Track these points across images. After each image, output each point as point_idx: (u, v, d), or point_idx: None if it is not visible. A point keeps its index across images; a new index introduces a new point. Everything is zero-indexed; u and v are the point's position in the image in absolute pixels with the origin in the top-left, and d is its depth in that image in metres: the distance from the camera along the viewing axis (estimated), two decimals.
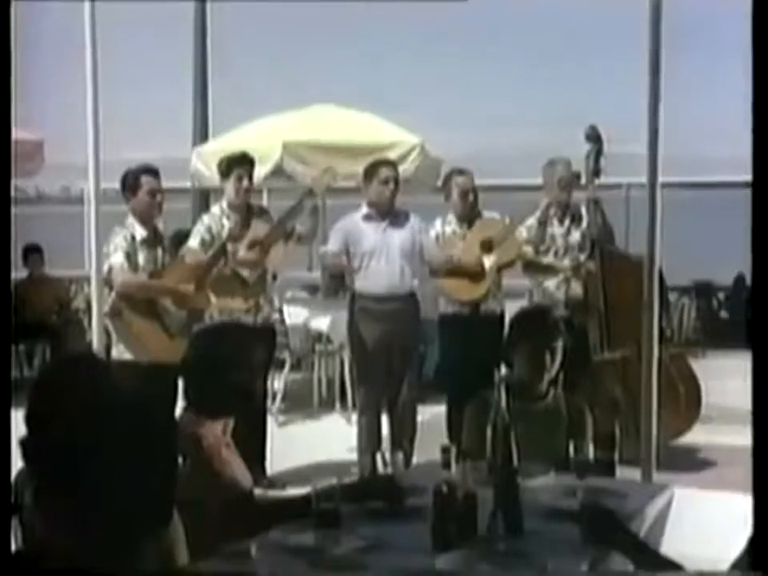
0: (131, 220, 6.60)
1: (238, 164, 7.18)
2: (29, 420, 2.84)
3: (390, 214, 7.43)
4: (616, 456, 4.64)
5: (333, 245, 7.54)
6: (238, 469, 3.81)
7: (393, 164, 7.75)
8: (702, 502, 5.15)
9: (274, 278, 7.45)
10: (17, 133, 5.69)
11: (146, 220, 6.61)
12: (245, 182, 7.12)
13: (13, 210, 3.06)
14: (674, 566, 3.08)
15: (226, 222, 7.07)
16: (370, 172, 7.45)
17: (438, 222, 7.83)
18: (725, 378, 8.40)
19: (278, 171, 9.40)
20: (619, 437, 4.80)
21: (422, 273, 7.62)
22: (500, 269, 7.68)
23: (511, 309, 6.98)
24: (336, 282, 10.33)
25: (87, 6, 6.00)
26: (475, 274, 7.63)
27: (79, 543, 1.98)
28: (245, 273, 6.96)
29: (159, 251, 6.66)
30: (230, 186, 7.14)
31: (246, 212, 7.15)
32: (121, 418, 2.03)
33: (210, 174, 9.20)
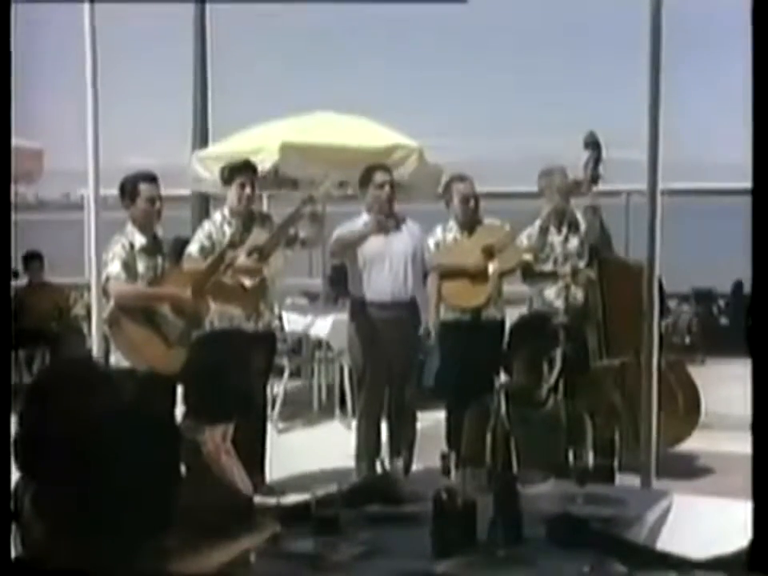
0: (130, 227, 6.59)
1: (240, 171, 7.18)
2: (21, 424, 2.84)
3: (390, 219, 7.43)
4: (616, 463, 4.64)
5: (345, 228, 7.50)
6: (237, 475, 3.81)
7: (386, 168, 7.72)
8: (701, 509, 5.16)
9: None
10: (16, 141, 5.70)
11: (145, 227, 6.61)
12: (247, 189, 7.11)
13: (13, 216, 3.06)
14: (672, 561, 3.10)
15: (227, 228, 7.06)
16: (365, 178, 7.46)
17: (438, 229, 7.83)
18: (724, 385, 8.40)
19: (277, 177, 9.41)
20: (619, 444, 4.80)
21: (421, 279, 7.61)
22: (501, 275, 7.68)
23: (512, 316, 6.99)
24: (336, 288, 10.34)
25: (87, 8, 6.01)
26: (477, 281, 7.62)
27: (78, 550, 1.99)
28: (245, 280, 6.96)
29: (159, 259, 6.65)
30: (232, 193, 7.13)
31: (248, 219, 7.15)
32: (118, 424, 2.03)
33: (211, 178, 9.21)
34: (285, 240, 7.16)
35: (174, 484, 2.12)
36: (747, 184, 2.46)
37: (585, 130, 7.49)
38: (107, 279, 6.41)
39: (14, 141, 3.40)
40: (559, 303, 7.64)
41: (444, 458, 3.39)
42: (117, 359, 6.46)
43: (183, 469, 3.28)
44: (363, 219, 7.46)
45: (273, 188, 10.29)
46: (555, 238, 7.74)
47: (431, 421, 8.17)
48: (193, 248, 7.02)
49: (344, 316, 8.04)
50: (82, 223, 12.28)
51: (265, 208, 10.70)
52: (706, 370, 10.72)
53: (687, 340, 13.20)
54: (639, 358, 6.20)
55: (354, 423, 7.99)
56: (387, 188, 7.39)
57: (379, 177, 7.42)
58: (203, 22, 12.79)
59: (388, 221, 7.38)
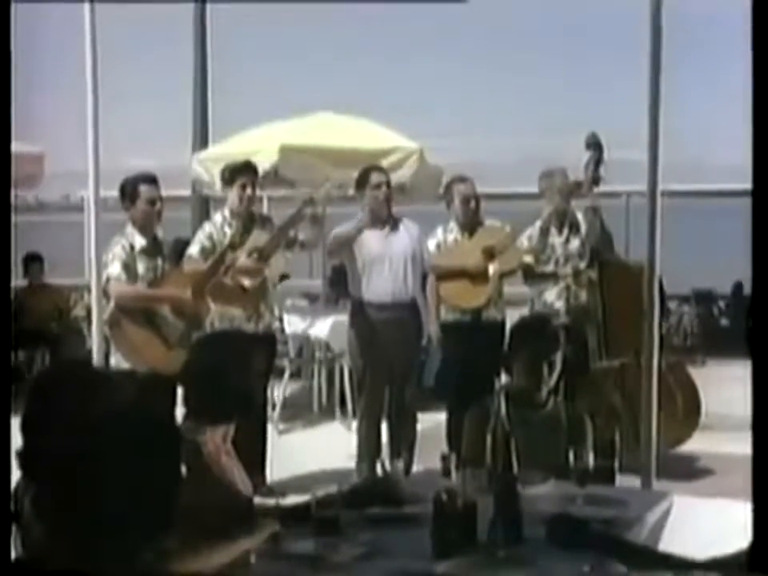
0: (130, 229, 6.59)
1: (242, 172, 7.17)
2: (23, 429, 2.84)
3: (390, 220, 7.44)
4: (616, 464, 4.64)
5: (342, 227, 7.49)
6: (238, 476, 3.81)
7: (382, 169, 7.74)
8: (701, 510, 5.17)
9: (284, 278, 7.41)
10: (17, 145, 5.69)
11: (145, 228, 6.60)
12: (248, 191, 7.11)
13: (13, 218, 3.06)
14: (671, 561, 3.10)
15: (227, 229, 7.05)
16: (362, 179, 7.46)
17: (439, 230, 7.83)
18: (725, 386, 8.40)
19: (277, 177, 9.41)
20: (619, 445, 4.80)
21: (420, 279, 7.60)
22: (501, 277, 7.68)
23: (513, 317, 6.98)
24: (336, 289, 10.34)
25: (87, 8, 6.02)
26: (477, 282, 7.62)
27: (79, 550, 1.99)
28: (245, 281, 6.96)
29: (159, 260, 6.65)
30: (233, 194, 7.12)
31: (249, 220, 7.14)
32: (118, 425, 2.03)
33: (210, 180, 9.22)
34: (285, 242, 7.16)
35: (175, 485, 2.12)
36: (747, 185, 2.46)
37: (585, 131, 7.49)
38: (107, 280, 6.41)
39: (15, 145, 3.40)
40: (560, 304, 7.64)
41: (444, 459, 3.39)
42: (117, 360, 6.45)
43: (183, 470, 3.28)
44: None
45: (272, 188, 10.29)
46: (556, 239, 7.74)
47: (432, 422, 8.16)
48: (193, 249, 7.01)
49: (344, 317, 8.04)
50: (82, 225, 12.27)
51: (265, 209, 10.70)
52: (707, 371, 10.72)
53: (688, 341, 13.21)
54: (639, 359, 6.19)
55: (354, 424, 7.99)
56: (384, 188, 7.38)
57: (375, 177, 7.42)
58: (203, 23, 12.80)
59: (382, 212, 7.37)
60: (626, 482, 5.11)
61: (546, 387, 4.64)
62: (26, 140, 10.59)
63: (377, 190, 7.36)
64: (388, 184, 7.45)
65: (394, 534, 3.51)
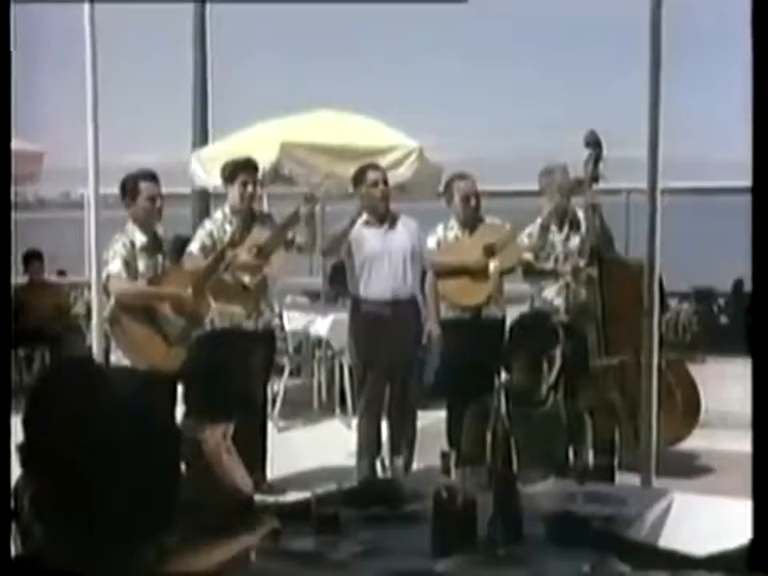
0: (131, 226, 6.59)
1: (243, 169, 7.17)
2: (25, 426, 2.84)
3: (388, 217, 7.43)
4: (616, 461, 4.64)
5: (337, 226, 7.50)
6: (238, 474, 3.81)
7: (378, 167, 7.73)
8: (700, 508, 5.16)
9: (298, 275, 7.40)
10: (17, 143, 5.69)
11: (145, 226, 6.61)
12: (249, 188, 7.11)
13: (13, 215, 3.06)
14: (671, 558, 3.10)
15: (228, 227, 7.05)
16: (358, 178, 7.45)
17: (439, 228, 7.84)
18: (725, 383, 8.40)
19: (277, 175, 9.41)
20: (618, 442, 4.80)
21: (420, 277, 7.60)
22: (502, 274, 7.69)
23: (513, 314, 6.98)
24: (336, 286, 10.34)
25: (87, 7, 6.02)
26: (477, 279, 7.63)
27: (79, 549, 1.99)
28: (245, 278, 6.96)
29: (159, 257, 6.65)
30: (234, 192, 7.12)
31: (249, 217, 7.14)
32: (119, 423, 2.03)
33: (209, 178, 9.21)
34: (283, 242, 7.16)
35: (175, 483, 2.12)
36: (747, 182, 2.46)
37: (585, 129, 7.48)
38: (108, 277, 6.42)
39: (15, 143, 3.40)
40: (559, 302, 7.65)
41: (444, 456, 3.39)
42: (117, 358, 6.46)
43: (184, 467, 3.28)
44: (362, 219, 7.44)
45: (272, 185, 10.30)
46: (556, 237, 7.74)
47: (432, 419, 8.17)
48: (194, 246, 7.01)
49: (344, 315, 8.04)
50: (83, 222, 12.28)
51: (265, 207, 10.69)
52: (707, 368, 10.71)
53: (687, 339, 13.20)
54: (639, 357, 6.19)
55: (354, 422, 7.99)
56: (381, 186, 7.38)
57: (372, 175, 7.42)
58: (203, 21, 12.80)
59: (379, 209, 7.37)
60: (625, 479, 5.11)
61: (545, 384, 4.64)
62: (25, 137, 10.59)
63: (374, 188, 7.35)
64: (385, 181, 7.45)
65: (393, 532, 3.51)
